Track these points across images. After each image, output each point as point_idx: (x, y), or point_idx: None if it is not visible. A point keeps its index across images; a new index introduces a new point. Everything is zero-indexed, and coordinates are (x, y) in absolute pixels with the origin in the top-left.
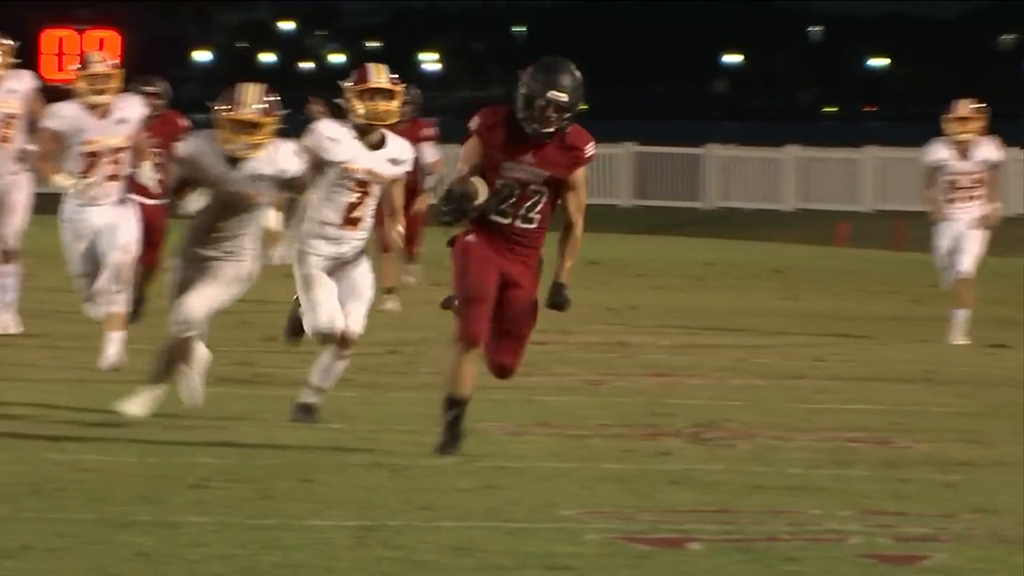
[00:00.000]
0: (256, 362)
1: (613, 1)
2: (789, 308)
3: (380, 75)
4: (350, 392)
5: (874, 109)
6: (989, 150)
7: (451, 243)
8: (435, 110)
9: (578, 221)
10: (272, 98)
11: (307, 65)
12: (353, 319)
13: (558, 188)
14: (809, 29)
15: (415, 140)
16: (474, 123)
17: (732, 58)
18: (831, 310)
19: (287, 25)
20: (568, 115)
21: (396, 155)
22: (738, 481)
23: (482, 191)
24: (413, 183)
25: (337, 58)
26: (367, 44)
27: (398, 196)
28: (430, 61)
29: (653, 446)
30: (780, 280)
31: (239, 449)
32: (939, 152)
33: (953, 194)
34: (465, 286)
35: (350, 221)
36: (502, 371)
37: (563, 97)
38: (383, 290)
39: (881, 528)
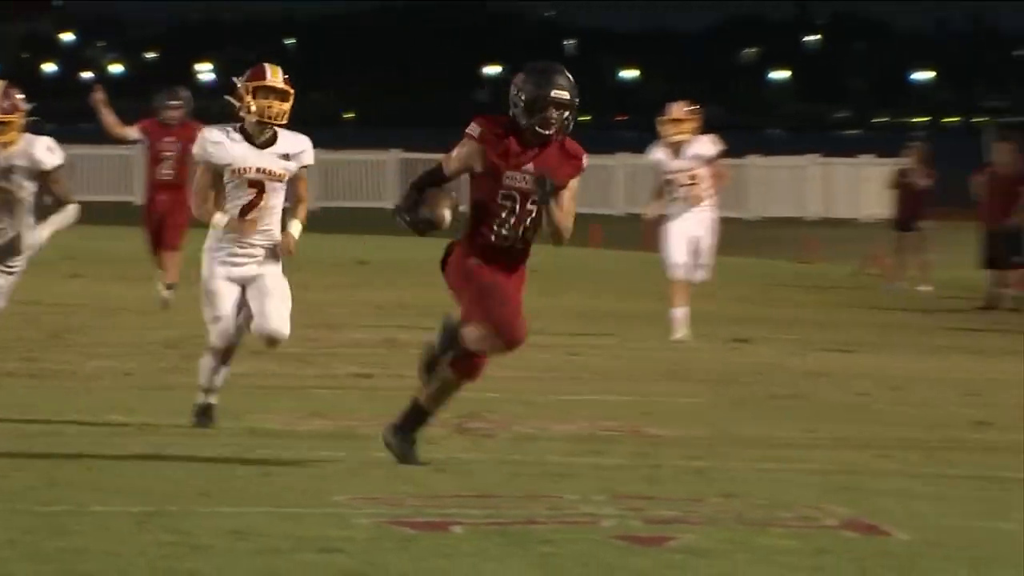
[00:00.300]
0: (41, 358)
1: (380, 15)
2: (546, 305)
3: (276, 75)
4: (130, 384)
5: (625, 118)
6: (702, 147)
7: (445, 261)
8: (210, 117)
9: (568, 225)
10: (17, 96)
11: (88, 75)
12: (275, 320)
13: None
14: (565, 42)
15: (189, 140)
16: (474, 130)
17: (492, 69)
18: (585, 307)
19: (68, 36)
20: (568, 113)
21: (288, 150)
22: (499, 468)
23: (448, 216)
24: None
25: (116, 68)
26: (146, 55)
27: (302, 191)
28: (206, 71)
29: (419, 436)
30: (539, 278)
31: (25, 439)
32: (656, 153)
33: (675, 193)
34: (491, 295)
35: (249, 222)
36: (520, 339)
37: (564, 95)
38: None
39: (633, 511)
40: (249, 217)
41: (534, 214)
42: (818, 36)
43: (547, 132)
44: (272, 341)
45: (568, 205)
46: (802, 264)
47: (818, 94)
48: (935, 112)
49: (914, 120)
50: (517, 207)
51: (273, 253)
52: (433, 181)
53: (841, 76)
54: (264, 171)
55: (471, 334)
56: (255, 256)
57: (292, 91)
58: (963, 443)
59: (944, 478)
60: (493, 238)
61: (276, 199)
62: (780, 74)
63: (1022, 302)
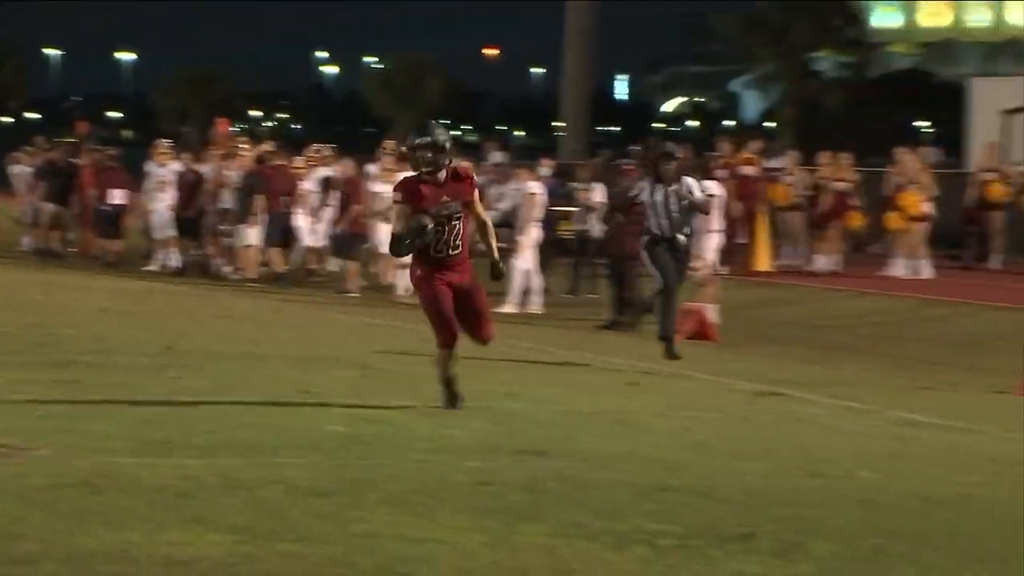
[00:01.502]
0: None
1: None
2: None
3: None
4: None
5: None
6: None
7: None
8: None
9: (487, 219)
10: None
11: None
12: None
13: (467, 210)
14: None
15: None
16: (397, 196)
17: None
18: None
19: None
20: (444, 151)
21: None
22: None
23: (429, 222)
24: None
25: None
26: None
27: None
28: None
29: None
30: None
31: None
32: None
33: None
34: (434, 306)
35: None
36: (487, 339)
37: (431, 138)
38: None
39: None
40: None
41: (456, 229)
42: None
43: (436, 170)
44: None
45: (478, 211)
46: None
47: None
48: None
49: None
50: (444, 228)
51: None
52: (396, 238)
53: None
54: None
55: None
56: None
57: None
58: None
59: None
60: (431, 253)
61: None
62: None
63: None
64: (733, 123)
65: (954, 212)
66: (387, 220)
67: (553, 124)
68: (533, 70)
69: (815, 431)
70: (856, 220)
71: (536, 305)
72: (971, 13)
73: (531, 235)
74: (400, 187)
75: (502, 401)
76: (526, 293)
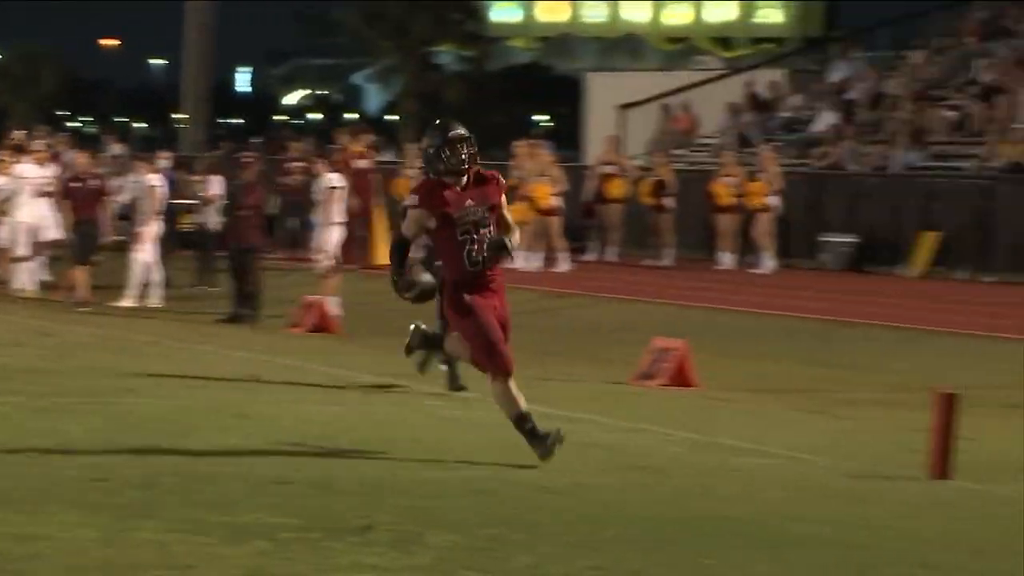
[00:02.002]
0: None
1: None
2: None
3: None
4: None
5: None
6: None
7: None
8: None
9: (514, 226)
10: None
11: None
12: None
13: (493, 216)
14: None
15: None
16: (413, 200)
17: None
18: None
19: None
20: (474, 146)
21: None
22: None
23: (430, 278)
24: None
25: None
26: None
27: None
28: None
29: None
30: None
31: None
32: None
33: None
34: (486, 336)
35: None
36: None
37: (464, 131)
38: None
39: None
40: None
41: (487, 235)
42: None
43: (464, 166)
44: None
45: (506, 218)
46: None
47: None
48: None
49: None
50: (475, 235)
51: None
52: (404, 250)
53: None
54: None
55: (452, 346)
56: None
57: None
58: None
59: None
60: (467, 266)
61: None
62: None
63: None
64: (356, 116)
65: (573, 206)
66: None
67: (174, 116)
68: (152, 61)
69: (434, 423)
70: None
71: (156, 298)
72: (588, 9)
73: (151, 228)
74: (419, 190)
75: (121, 396)
76: (146, 286)
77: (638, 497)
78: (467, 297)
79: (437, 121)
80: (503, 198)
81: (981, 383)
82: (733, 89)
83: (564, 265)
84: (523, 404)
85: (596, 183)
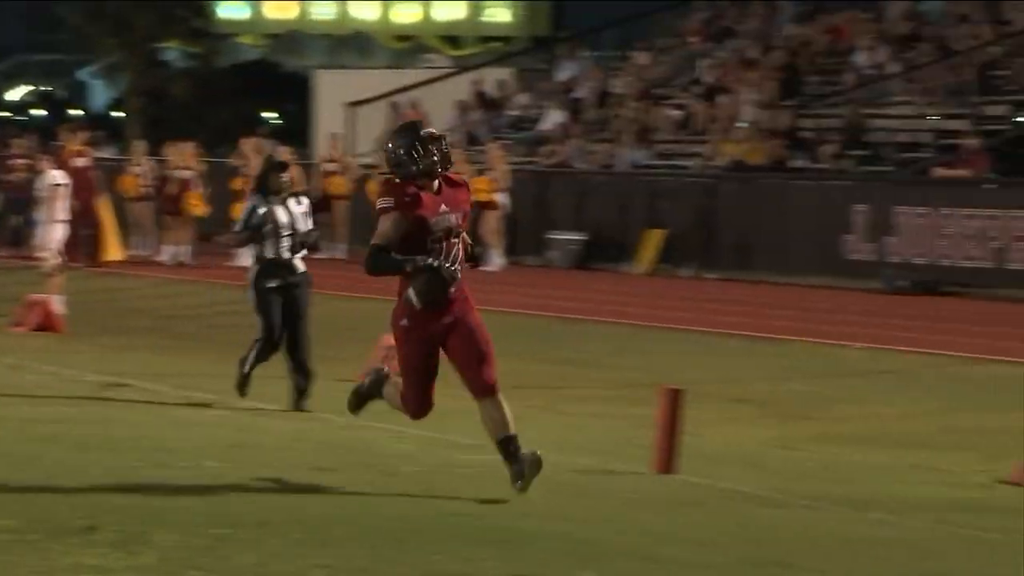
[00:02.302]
0: None
1: None
2: None
3: None
4: None
5: None
6: None
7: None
8: None
9: (467, 239)
10: None
11: None
12: None
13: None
14: None
15: None
16: (388, 202)
17: None
18: None
19: None
20: (445, 145)
21: None
22: None
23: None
24: None
25: None
26: None
27: None
28: None
29: None
30: None
31: None
32: None
33: None
34: (415, 377)
35: None
36: (488, 389)
37: (435, 130)
38: None
39: None
40: None
41: (455, 248)
42: None
43: (436, 168)
44: None
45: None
46: None
47: None
48: None
49: None
50: (444, 244)
51: None
52: (391, 260)
53: None
54: None
55: (389, 394)
56: None
57: None
58: None
59: None
60: None
61: None
62: None
63: None
64: (81, 112)
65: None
66: None
67: None
68: None
69: (161, 422)
70: (198, 208)
71: None
72: (316, 6)
73: None
74: (391, 191)
75: None
76: None
77: (368, 494)
78: (413, 320)
79: (405, 121)
80: (468, 207)
81: (706, 378)
82: (461, 87)
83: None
84: (511, 427)
85: (320, 180)
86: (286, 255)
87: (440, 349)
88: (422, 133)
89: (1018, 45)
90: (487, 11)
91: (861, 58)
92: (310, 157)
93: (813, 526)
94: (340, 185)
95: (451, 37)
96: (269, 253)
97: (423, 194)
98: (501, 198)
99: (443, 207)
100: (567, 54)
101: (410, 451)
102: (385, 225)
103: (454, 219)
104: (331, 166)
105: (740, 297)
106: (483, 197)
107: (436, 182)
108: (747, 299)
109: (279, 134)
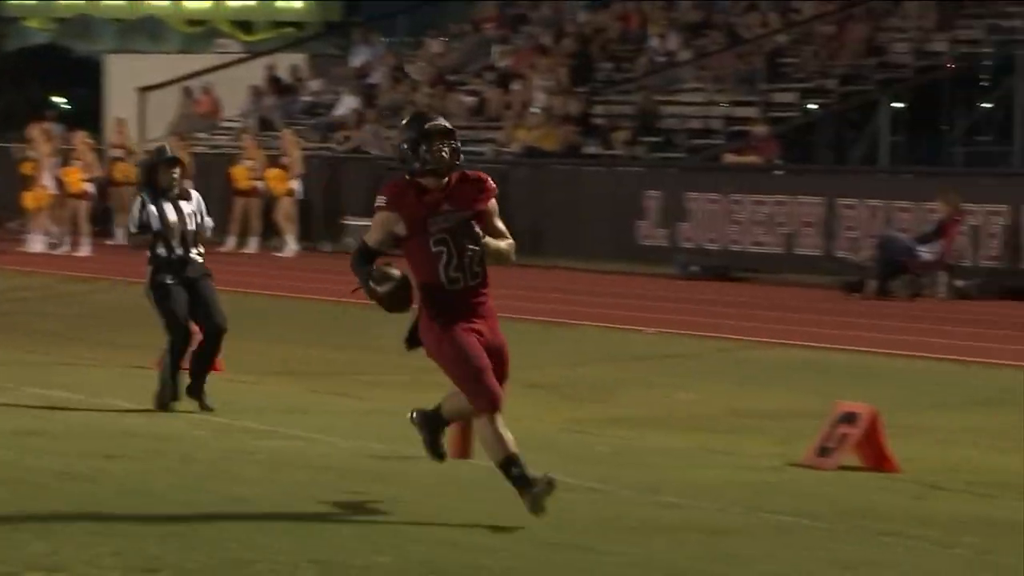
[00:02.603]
0: None
1: None
2: None
3: None
4: None
5: None
6: None
7: (411, 339)
8: None
9: (502, 246)
10: None
11: None
12: None
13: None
14: None
15: None
16: (381, 200)
17: None
18: None
19: None
20: (454, 141)
21: None
22: None
23: (396, 273)
24: None
25: None
26: None
27: None
28: None
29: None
30: None
31: None
32: None
33: None
34: (467, 362)
35: None
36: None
37: (445, 123)
38: None
39: None
40: None
41: (470, 248)
42: None
43: (441, 165)
44: None
45: (496, 227)
46: None
47: None
48: None
49: None
50: (452, 247)
51: None
52: (366, 259)
53: None
54: None
55: (450, 408)
56: None
57: None
58: None
59: None
60: (445, 284)
61: None
62: None
63: None
64: None
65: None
66: None
67: None
68: None
69: None
70: None
71: None
72: None
73: None
74: (387, 189)
75: None
76: None
77: (162, 481)
78: (441, 324)
79: (412, 112)
80: (492, 203)
81: None
82: (255, 73)
83: (85, 250)
84: (512, 446)
85: (107, 166)
86: (179, 252)
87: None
88: (427, 127)
89: (805, 33)
90: None
91: (653, 45)
92: (102, 143)
93: (606, 509)
94: (123, 171)
95: (244, 22)
96: (162, 252)
97: (425, 194)
98: (295, 185)
99: (446, 206)
100: (361, 40)
101: (204, 437)
102: (374, 224)
103: (457, 219)
104: (117, 152)
105: (533, 282)
106: (277, 185)
107: (444, 180)
108: (540, 284)
109: (68, 119)
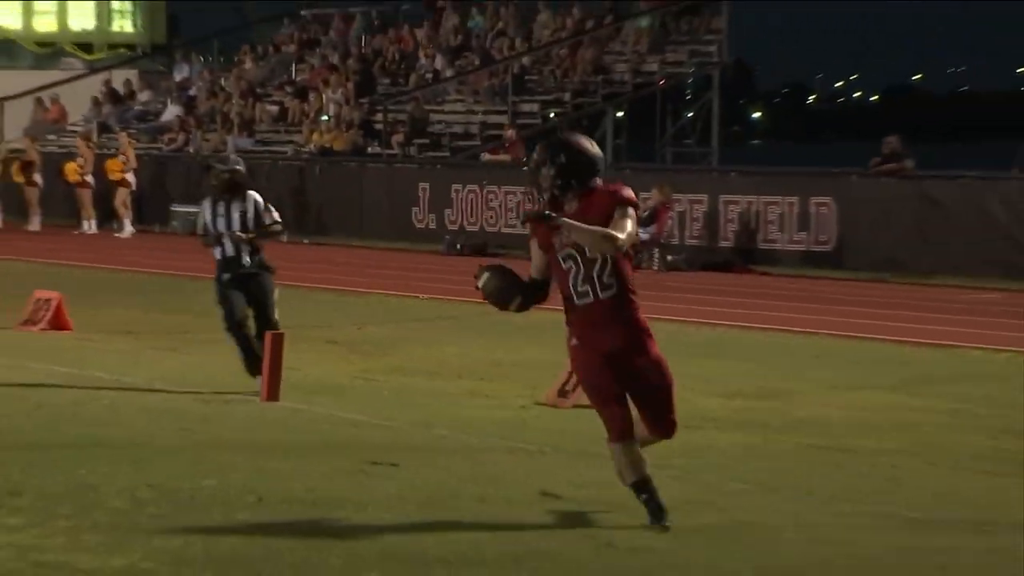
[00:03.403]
0: None
1: None
2: None
3: None
4: None
5: None
6: None
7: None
8: None
9: (599, 236)
10: None
11: None
12: None
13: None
14: None
15: None
16: (528, 227)
17: None
18: None
19: None
20: (556, 176)
21: None
22: None
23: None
24: None
25: None
26: None
27: None
28: None
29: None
30: None
31: None
32: None
33: None
34: (593, 391)
35: None
36: (669, 430)
37: (534, 159)
38: None
39: None
40: None
41: (599, 262)
42: None
43: (545, 193)
44: None
45: (616, 223)
46: None
47: None
48: None
49: None
50: (580, 261)
51: None
52: (531, 290)
53: None
54: None
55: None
56: None
57: None
58: None
59: None
60: (575, 299)
61: None
62: None
63: None
64: None
65: None
66: None
67: None
68: None
69: None
70: None
71: None
72: None
73: None
74: (529, 217)
75: None
76: None
77: (18, 424)
78: (576, 339)
79: (550, 139)
80: (618, 209)
81: (303, 324)
82: (95, 86)
83: None
84: (645, 469)
85: None
86: (231, 252)
87: (618, 371)
88: (531, 164)
89: (545, 55)
90: (115, 23)
91: (423, 64)
92: None
93: (389, 440)
94: None
95: (85, 44)
96: (217, 252)
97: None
98: (130, 177)
99: (575, 216)
100: (182, 59)
101: (57, 385)
102: (532, 255)
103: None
104: None
105: (328, 259)
106: (115, 176)
107: (576, 199)
108: (334, 260)
109: None
